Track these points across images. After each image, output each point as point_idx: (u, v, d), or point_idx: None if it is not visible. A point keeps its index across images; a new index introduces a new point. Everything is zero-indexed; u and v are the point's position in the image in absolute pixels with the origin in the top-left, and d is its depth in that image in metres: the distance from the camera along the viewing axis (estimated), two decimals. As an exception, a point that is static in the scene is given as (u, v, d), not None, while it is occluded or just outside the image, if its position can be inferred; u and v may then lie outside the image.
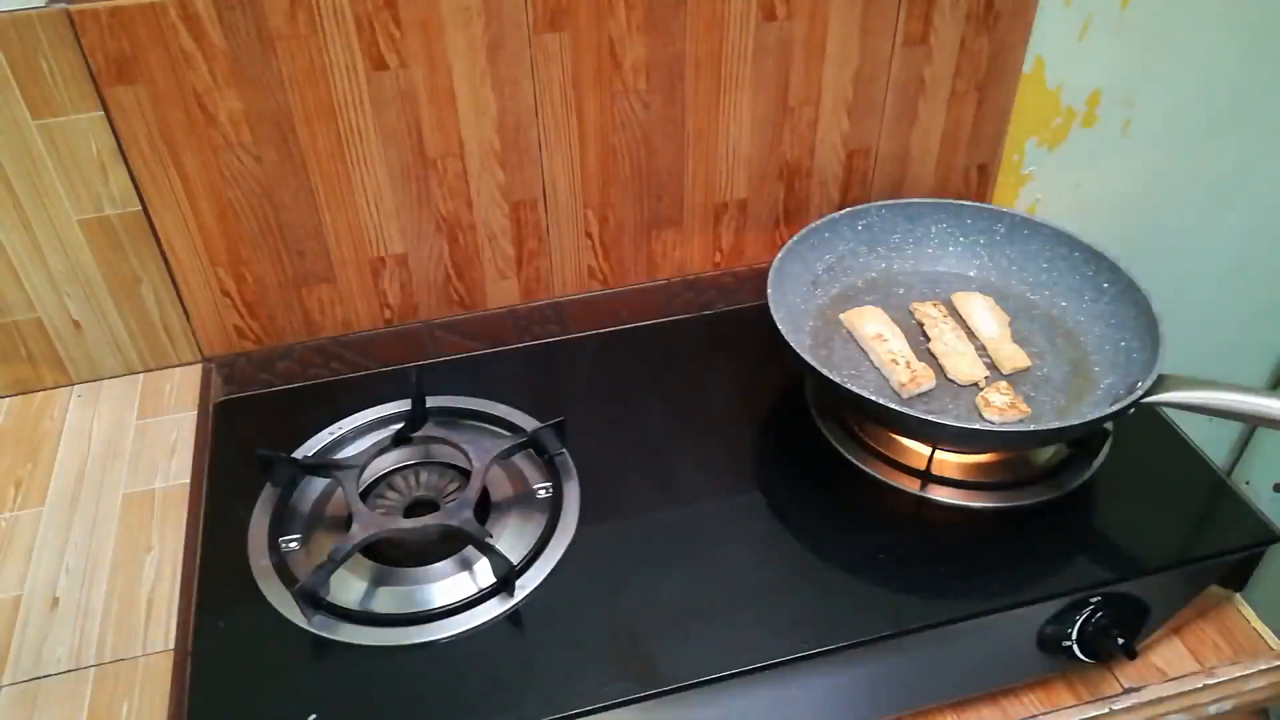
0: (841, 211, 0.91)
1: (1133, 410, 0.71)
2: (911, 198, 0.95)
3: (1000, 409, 0.77)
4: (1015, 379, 0.82)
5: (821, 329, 0.87)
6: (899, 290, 0.91)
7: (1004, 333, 0.85)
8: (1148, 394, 0.71)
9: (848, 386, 0.72)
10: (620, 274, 0.95)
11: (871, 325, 0.85)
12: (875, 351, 0.83)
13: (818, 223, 0.89)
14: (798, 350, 0.75)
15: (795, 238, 0.88)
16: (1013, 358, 0.83)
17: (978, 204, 0.92)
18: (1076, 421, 0.70)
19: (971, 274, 0.93)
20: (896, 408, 0.71)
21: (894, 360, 0.82)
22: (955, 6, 0.87)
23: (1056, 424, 0.76)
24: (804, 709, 0.69)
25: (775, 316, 0.78)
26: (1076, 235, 0.87)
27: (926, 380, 0.80)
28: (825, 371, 0.73)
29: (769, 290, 0.81)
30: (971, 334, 0.86)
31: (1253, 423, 0.69)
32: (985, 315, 0.87)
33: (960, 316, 0.88)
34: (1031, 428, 0.76)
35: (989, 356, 0.84)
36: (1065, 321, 0.87)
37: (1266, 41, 1.01)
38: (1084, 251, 0.86)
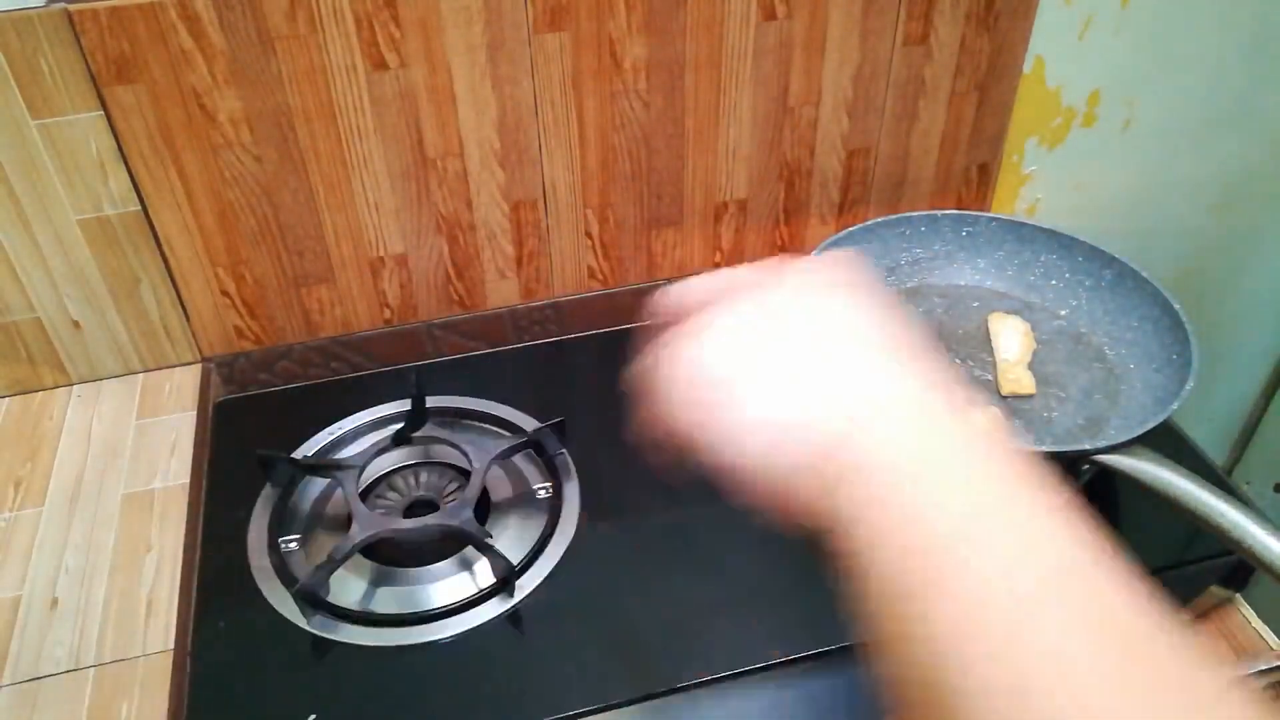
0: (944, 212, 0.92)
1: (1086, 466, 0.69)
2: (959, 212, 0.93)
3: None
4: (1015, 404, 0.81)
5: None
6: (973, 303, 0.91)
7: (1022, 357, 0.84)
8: (1104, 451, 0.68)
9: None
10: (620, 274, 0.95)
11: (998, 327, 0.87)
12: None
13: (915, 215, 0.91)
14: None
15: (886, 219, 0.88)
16: (1015, 381, 0.81)
17: (1091, 244, 0.88)
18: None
19: (1063, 312, 0.90)
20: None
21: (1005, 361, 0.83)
22: (955, 6, 0.87)
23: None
24: (804, 710, 0.69)
25: None
26: (1180, 314, 0.80)
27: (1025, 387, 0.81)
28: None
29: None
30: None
31: (1200, 523, 0.66)
32: (1013, 338, 0.85)
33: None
34: None
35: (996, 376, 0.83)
36: (1121, 381, 0.82)
37: (1267, 41, 1.01)
38: (1176, 326, 0.80)
